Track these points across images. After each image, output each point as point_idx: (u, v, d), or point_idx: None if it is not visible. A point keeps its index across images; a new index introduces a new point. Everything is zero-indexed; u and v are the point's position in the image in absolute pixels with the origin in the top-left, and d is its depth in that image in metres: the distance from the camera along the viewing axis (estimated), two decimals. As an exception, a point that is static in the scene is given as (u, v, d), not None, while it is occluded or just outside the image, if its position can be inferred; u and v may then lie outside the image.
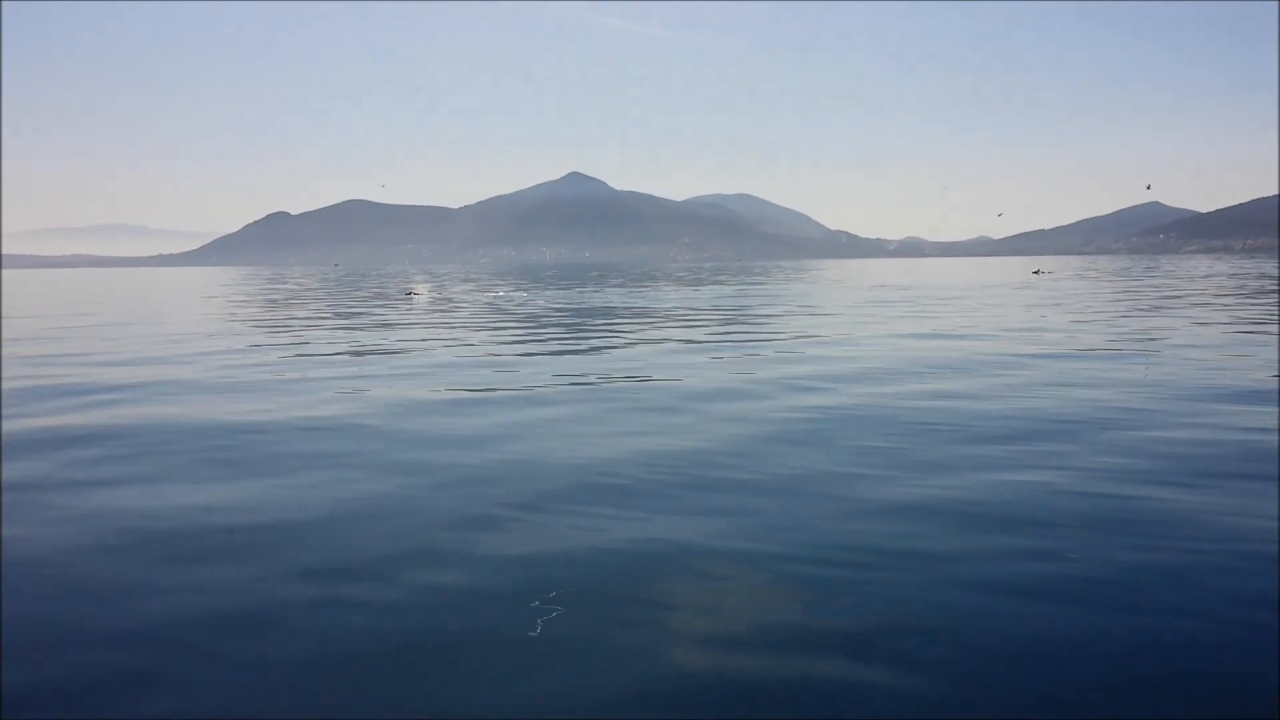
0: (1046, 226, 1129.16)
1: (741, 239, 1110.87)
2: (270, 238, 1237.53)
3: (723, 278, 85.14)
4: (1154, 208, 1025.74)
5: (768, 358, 18.11)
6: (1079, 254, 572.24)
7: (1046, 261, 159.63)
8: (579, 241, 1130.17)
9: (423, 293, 48.99)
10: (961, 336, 22.13)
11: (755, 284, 62.83)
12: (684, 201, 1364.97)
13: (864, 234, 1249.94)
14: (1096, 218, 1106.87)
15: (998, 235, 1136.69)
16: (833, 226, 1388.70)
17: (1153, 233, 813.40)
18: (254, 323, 30.17)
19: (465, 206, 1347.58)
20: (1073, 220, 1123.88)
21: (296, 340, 23.11)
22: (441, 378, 15.63)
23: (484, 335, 23.76)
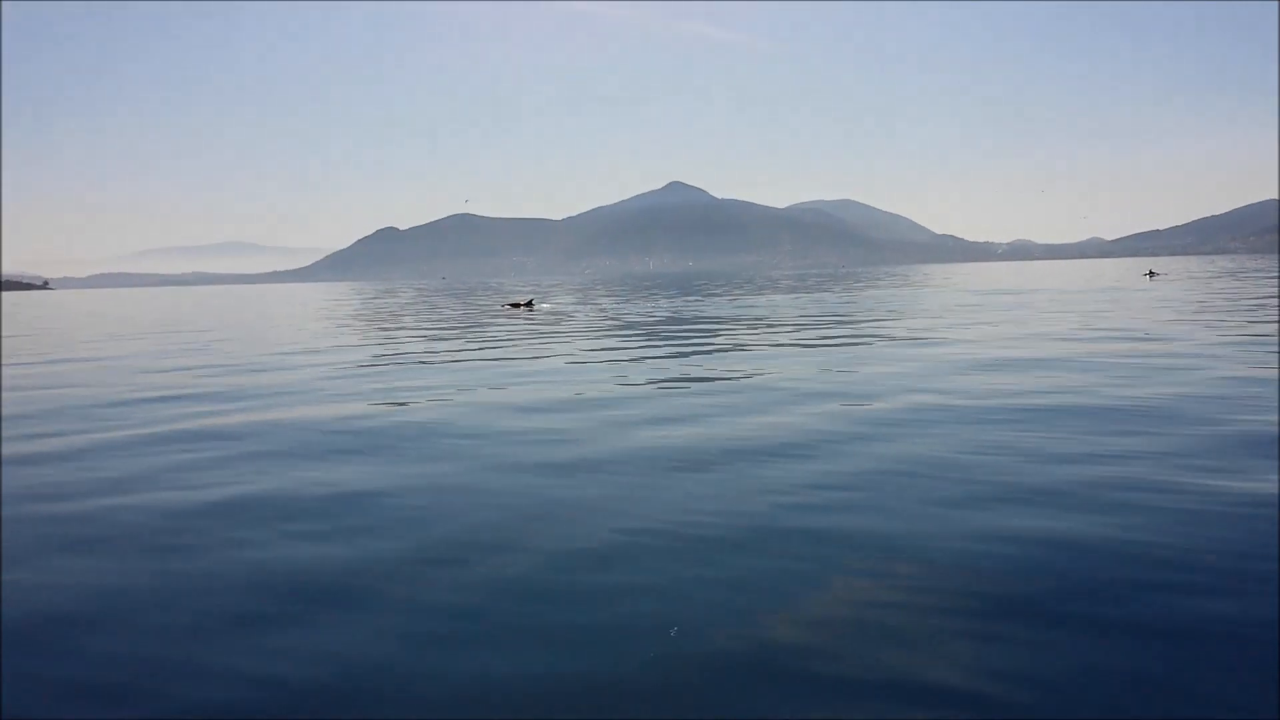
0: (1161, 226, 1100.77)
1: (845, 245, 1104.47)
2: (378, 253, 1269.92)
3: (833, 283, 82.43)
4: (1273, 206, 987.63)
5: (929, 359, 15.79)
6: (1195, 254, 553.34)
7: (1161, 263, 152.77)
8: (681, 250, 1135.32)
9: (528, 302, 47.73)
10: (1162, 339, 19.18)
11: (875, 289, 60.28)
12: (786, 208, 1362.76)
13: (970, 237, 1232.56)
14: (1212, 217, 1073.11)
15: (1110, 236, 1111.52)
16: (938, 230, 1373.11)
17: (1271, 231, 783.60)
18: (383, 333, 29.31)
19: (568, 218, 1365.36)
20: (1188, 220, 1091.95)
21: (425, 350, 21.91)
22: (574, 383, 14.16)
23: (609, 344, 22.18)
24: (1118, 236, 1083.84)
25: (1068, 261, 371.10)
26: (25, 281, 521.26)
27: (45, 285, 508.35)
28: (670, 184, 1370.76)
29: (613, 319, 34.09)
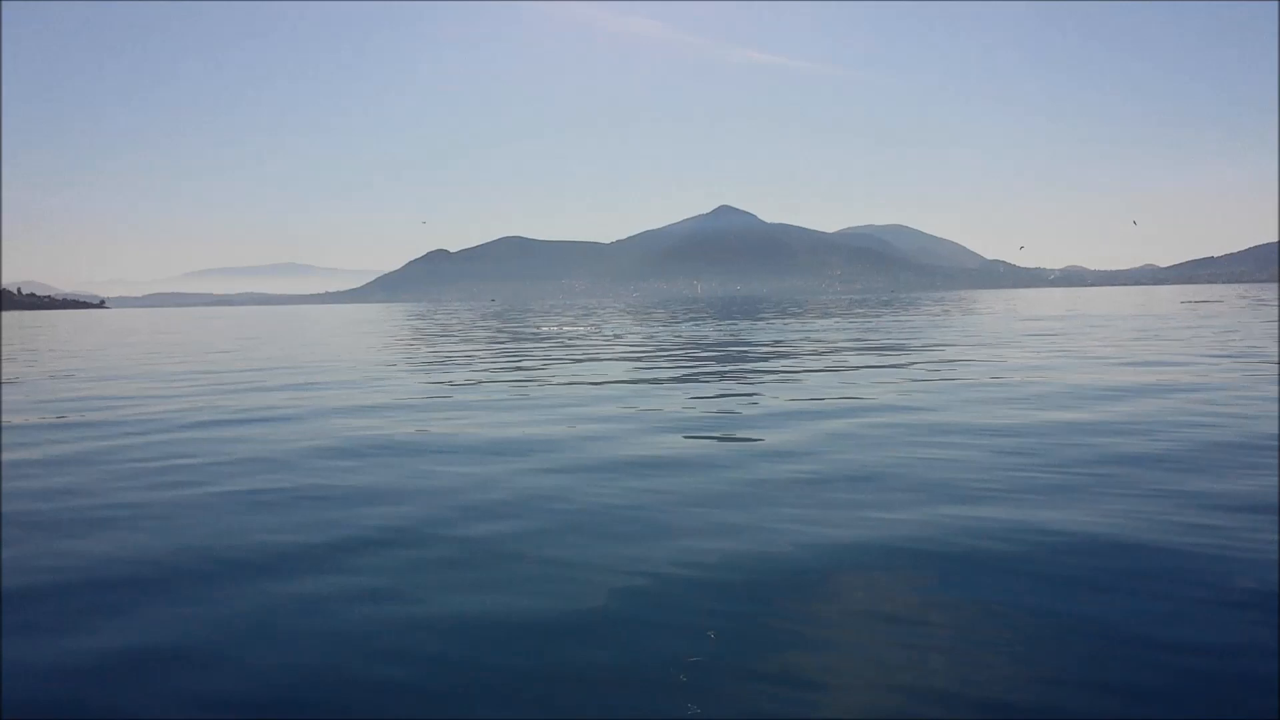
0: (1216, 254, 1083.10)
1: (894, 270, 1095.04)
2: (429, 275, 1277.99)
3: (899, 307, 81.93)
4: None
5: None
6: (1252, 282, 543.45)
7: (1214, 291, 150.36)
8: (729, 274, 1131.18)
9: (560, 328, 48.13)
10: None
11: (946, 316, 60.13)
12: (835, 233, 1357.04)
13: (1022, 263, 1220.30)
14: (1271, 244, 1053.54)
15: (1164, 263, 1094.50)
16: (989, 255, 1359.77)
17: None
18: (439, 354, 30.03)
19: (617, 241, 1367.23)
20: (1245, 247, 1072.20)
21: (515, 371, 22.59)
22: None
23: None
24: (1172, 263, 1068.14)
25: (1124, 288, 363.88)
26: (82, 300, 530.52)
27: (102, 304, 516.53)
28: (719, 207, 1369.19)
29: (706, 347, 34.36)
